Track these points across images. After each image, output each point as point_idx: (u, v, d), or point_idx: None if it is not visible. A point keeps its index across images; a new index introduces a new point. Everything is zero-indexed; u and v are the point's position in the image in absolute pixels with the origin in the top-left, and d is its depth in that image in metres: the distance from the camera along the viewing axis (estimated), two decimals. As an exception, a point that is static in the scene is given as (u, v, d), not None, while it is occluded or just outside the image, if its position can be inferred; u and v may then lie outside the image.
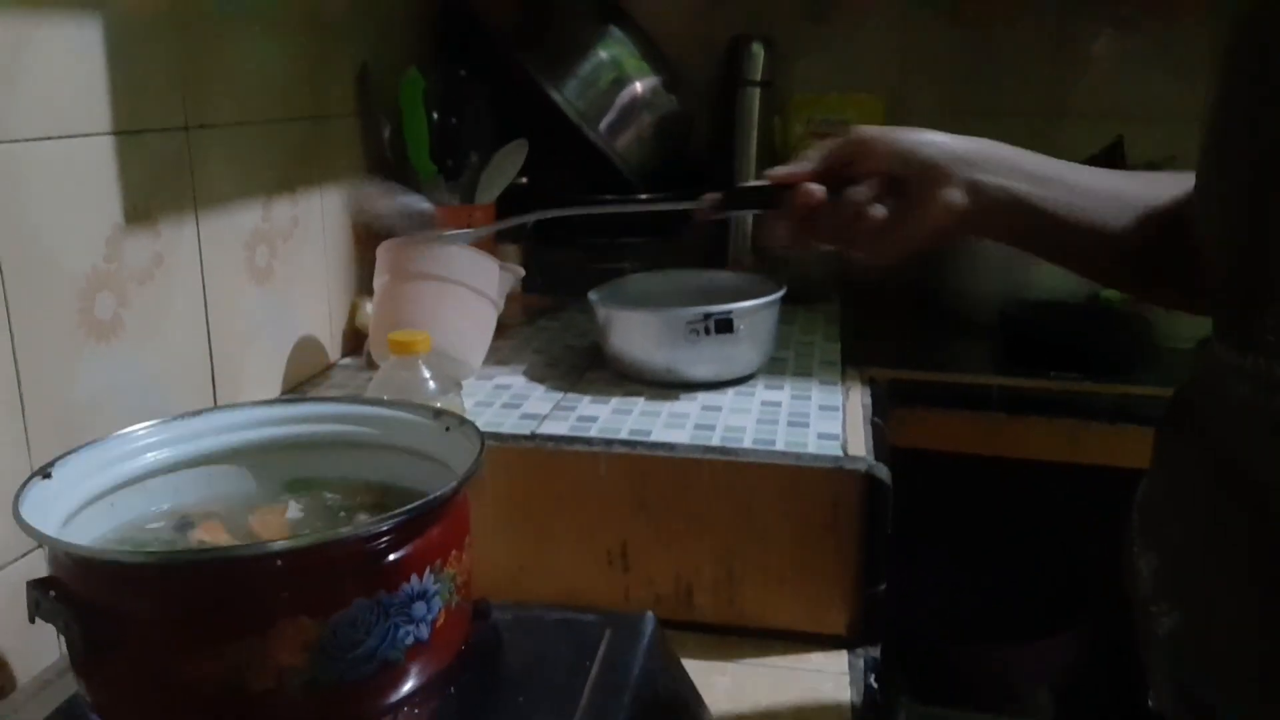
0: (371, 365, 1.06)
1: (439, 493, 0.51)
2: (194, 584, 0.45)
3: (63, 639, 0.48)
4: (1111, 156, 1.41)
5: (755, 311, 0.99)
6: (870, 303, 1.40)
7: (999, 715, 1.32)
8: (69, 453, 0.56)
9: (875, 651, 0.88)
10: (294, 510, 0.60)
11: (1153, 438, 0.62)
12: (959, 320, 1.37)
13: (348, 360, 1.11)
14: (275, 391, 0.99)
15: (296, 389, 1.01)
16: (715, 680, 0.83)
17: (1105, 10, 1.43)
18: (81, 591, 0.46)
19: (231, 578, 0.45)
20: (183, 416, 0.63)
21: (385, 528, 0.48)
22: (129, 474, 0.60)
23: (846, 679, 0.84)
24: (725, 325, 0.96)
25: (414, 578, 0.50)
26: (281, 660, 0.47)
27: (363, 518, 0.61)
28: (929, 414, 1.11)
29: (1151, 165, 1.35)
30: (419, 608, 0.51)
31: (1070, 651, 1.30)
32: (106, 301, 0.73)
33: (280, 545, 0.45)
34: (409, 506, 0.48)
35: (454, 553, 0.54)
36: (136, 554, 0.48)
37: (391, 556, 0.49)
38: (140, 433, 0.61)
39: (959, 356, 1.27)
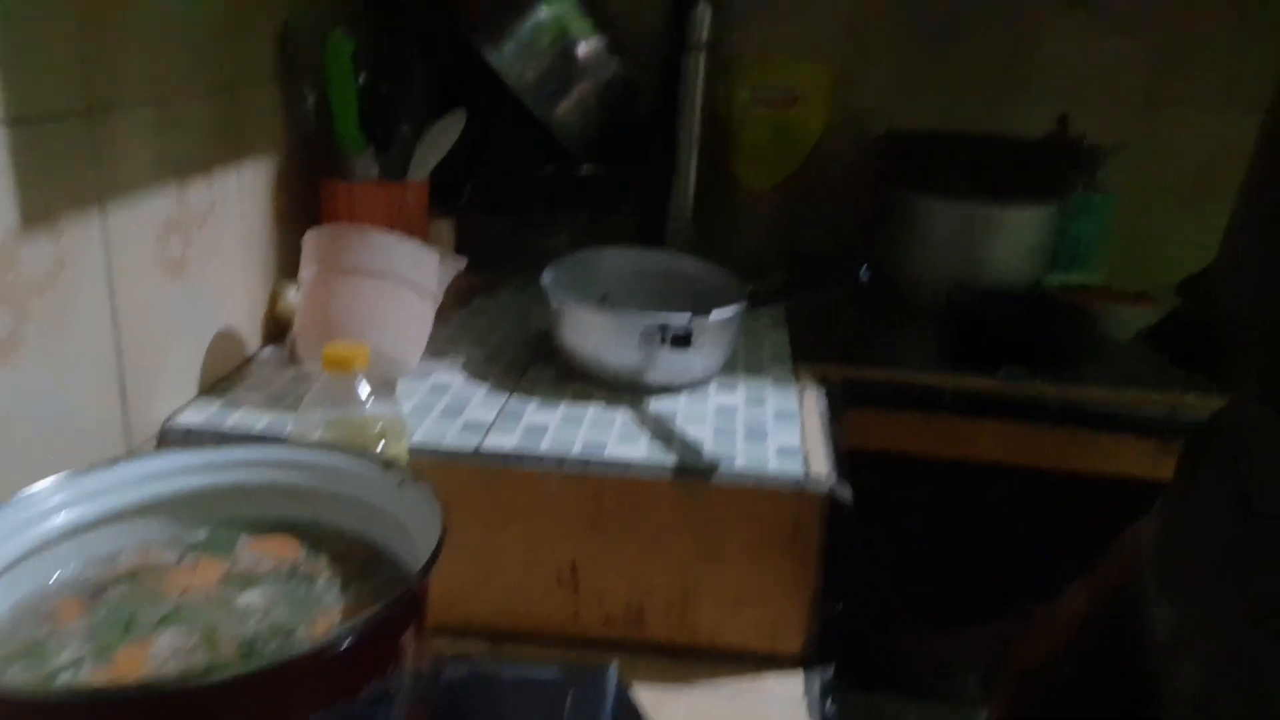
0: (295, 359, 0.98)
1: (403, 591, 0.45)
2: (123, 717, 0.39)
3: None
4: (1057, 136, 1.39)
5: (715, 325, 0.94)
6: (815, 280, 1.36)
7: (927, 700, 1.34)
8: (-35, 527, 0.48)
9: (830, 671, 0.87)
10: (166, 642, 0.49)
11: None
12: (905, 303, 1.35)
13: (268, 351, 1.03)
14: (192, 393, 0.90)
15: (215, 387, 0.93)
16: (671, 708, 0.80)
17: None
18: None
19: (169, 711, 0.39)
20: (96, 468, 0.56)
21: (345, 639, 0.42)
22: (35, 540, 0.53)
23: (804, 703, 0.82)
24: (682, 340, 0.91)
25: (374, 680, 0.45)
26: (227, 789, 0.41)
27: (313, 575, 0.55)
28: (881, 415, 1.09)
29: (1101, 151, 1.34)
30: (380, 710, 0.46)
31: (1000, 640, 1.32)
32: (3, 318, 0.65)
33: (228, 674, 0.39)
34: (369, 613, 0.43)
35: (416, 638, 0.49)
36: (52, 693, 0.41)
37: (352, 662, 0.44)
38: (46, 491, 0.54)
39: (907, 345, 1.25)
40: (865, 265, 0.87)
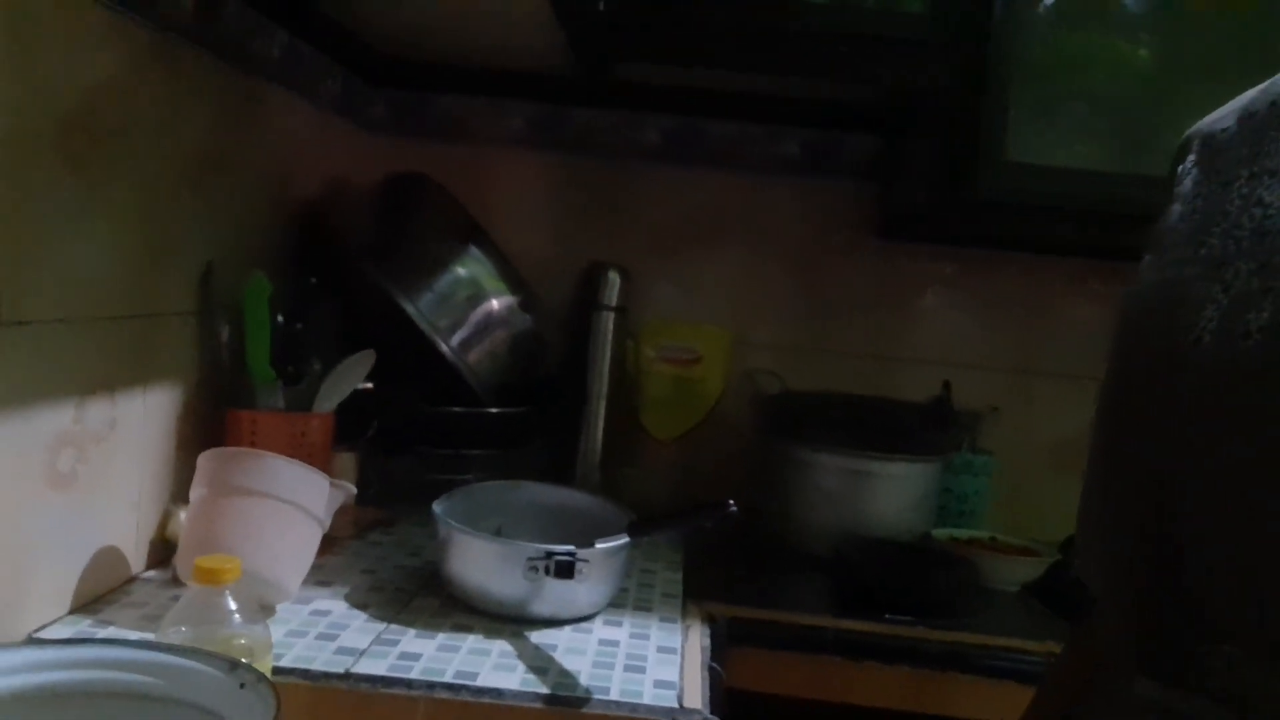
0: (179, 581, 0.98)
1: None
2: None
3: None
4: (941, 401, 1.49)
5: (600, 555, 0.96)
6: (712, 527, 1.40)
7: None
8: None
9: None
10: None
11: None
12: (797, 551, 1.38)
13: (153, 573, 1.02)
14: (63, 610, 0.89)
15: (89, 606, 0.92)
16: None
17: (928, 266, 1.56)
18: None
19: None
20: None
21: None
22: None
23: None
24: (566, 569, 0.93)
25: None
26: None
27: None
28: (766, 655, 1.09)
29: (974, 415, 1.43)
30: None
31: None
32: None
33: None
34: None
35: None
36: None
37: None
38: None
39: (796, 590, 1.27)
40: (730, 501, 0.91)
